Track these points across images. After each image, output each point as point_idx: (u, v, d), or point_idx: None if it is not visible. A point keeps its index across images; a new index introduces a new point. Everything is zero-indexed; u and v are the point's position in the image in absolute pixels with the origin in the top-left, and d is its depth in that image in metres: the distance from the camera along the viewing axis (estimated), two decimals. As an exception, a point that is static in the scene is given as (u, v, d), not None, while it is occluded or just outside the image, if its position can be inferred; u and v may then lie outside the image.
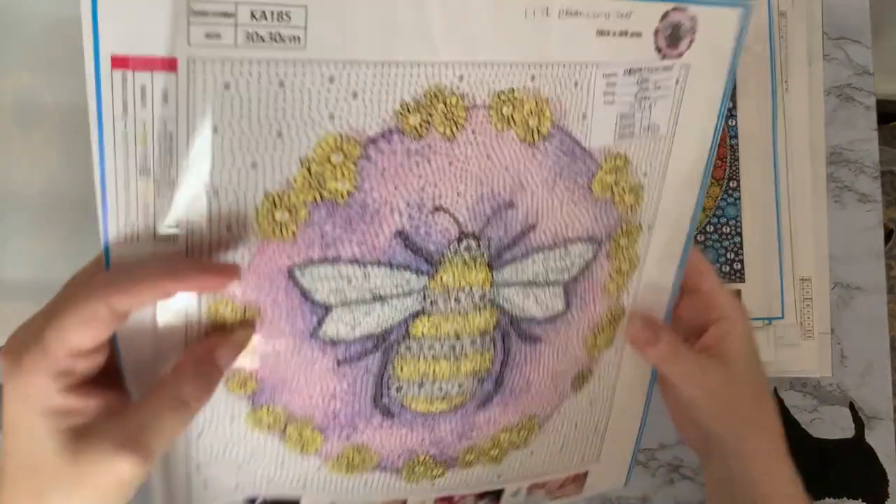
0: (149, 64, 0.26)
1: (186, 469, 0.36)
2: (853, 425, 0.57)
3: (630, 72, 0.34)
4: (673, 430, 0.57)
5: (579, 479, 0.45)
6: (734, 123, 0.55)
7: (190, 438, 0.35)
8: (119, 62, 0.26)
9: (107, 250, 0.29)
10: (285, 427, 0.36)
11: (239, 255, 0.31)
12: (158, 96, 0.27)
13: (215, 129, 0.28)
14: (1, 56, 0.58)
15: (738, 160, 0.56)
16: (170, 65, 0.26)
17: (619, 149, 0.36)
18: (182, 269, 0.29)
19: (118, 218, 0.28)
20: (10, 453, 0.29)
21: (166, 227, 0.29)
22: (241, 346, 0.32)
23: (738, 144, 0.56)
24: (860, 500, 0.56)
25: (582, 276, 0.38)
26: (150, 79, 0.26)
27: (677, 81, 0.35)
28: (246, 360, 0.33)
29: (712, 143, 0.37)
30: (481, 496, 0.43)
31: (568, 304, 0.38)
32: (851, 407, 0.57)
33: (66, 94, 0.57)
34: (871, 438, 0.57)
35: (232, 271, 0.31)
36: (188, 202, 0.29)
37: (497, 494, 0.43)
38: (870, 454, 0.57)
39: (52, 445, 0.28)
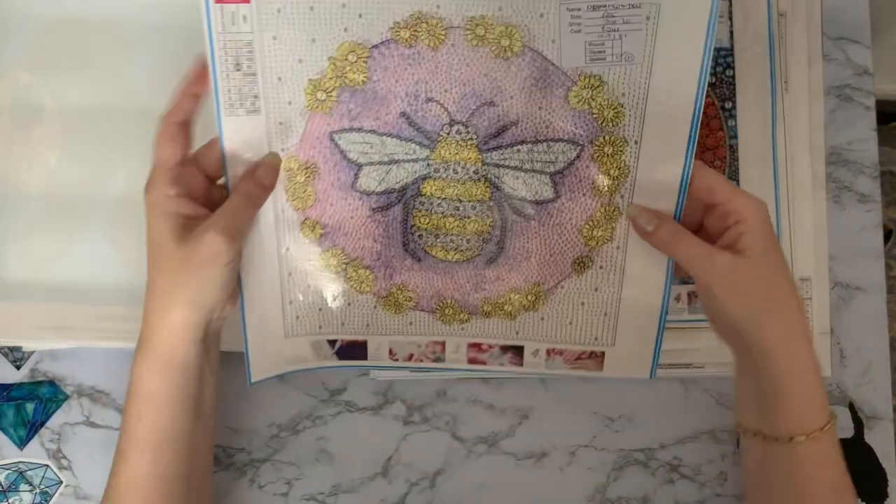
0: None
1: (282, 302, 0.51)
2: (852, 425, 0.57)
3: (594, 7, 0.43)
4: (672, 430, 0.57)
5: (597, 358, 0.52)
6: (734, 124, 0.55)
7: (283, 277, 0.50)
8: None
9: (220, 123, 0.45)
10: (346, 267, 0.50)
11: (298, 122, 0.47)
12: (241, 19, 0.44)
13: (275, 38, 0.45)
14: (0, 56, 0.58)
15: (737, 160, 0.56)
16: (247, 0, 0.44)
17: (593, 70, 0.45)
18: (185, 81, 0.45)
19: (223, 99, 0.45)
20: (151, 247, 0.45)
21: (251, 104, 0.46)
22: (273, 165, 0.47)
23: (737, 144, 0.56)
24: (859, 499, 0.56)
25: (567, 171, 0.48)
26: (236, 8, 0.43)
27: (648, 18, 0.43)
28: (313, 208, 0.49)
29: (701, 74, 0.44)
30: (506, 350, 0.53)
31: (557, 193, 0.49)
32: (851, 407, 0.57)
33: (65, 94, 0.57)
34: (870, 438, 0.57)
35: (202, 73, 0.45)
36: (264, 85, 0.46)
37: (519, 351, 0.52)
38: (869, 454, 0.57)
39: (171, 236, 0.44)
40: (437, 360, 0.53)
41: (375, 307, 0.52)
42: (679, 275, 0.50)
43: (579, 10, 0.43)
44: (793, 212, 0.56)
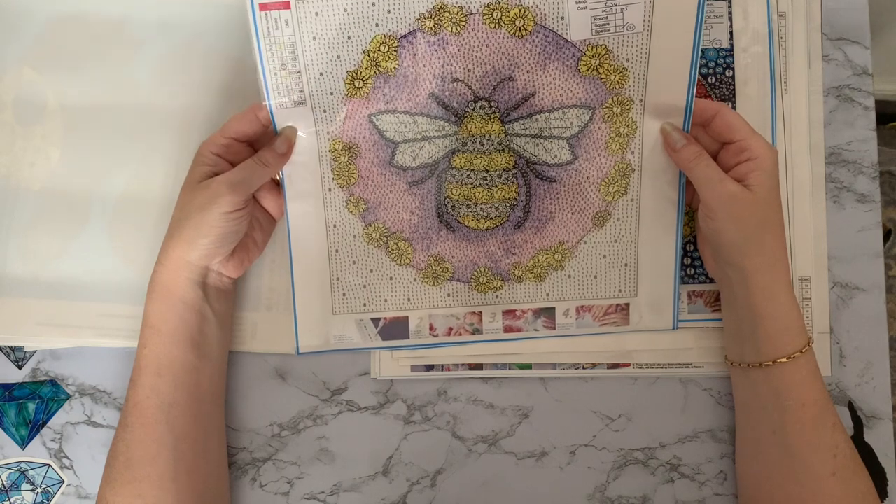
0: (277, 6, 0.49)
1: (329, 279, 0.56)
2: (852, 425, 0.57)
3: None
4: (672, 430, 0.57)
5: (623, 311, 0.56)
6: (734, 123, 0.56)
7: (330, 254, 0.55)
8: (263, 6, 0.49)
9: (272, 115, 0.51)
10: (387, 240, 0.55)
11: (339, 109, 0.52)
12: (283, 23, 0.49)
13: (314, 38, 0.50)
14: (3, 53, 0.58)
15: (737, 160, 0.56)
16: (287, 6, 0.49)
17: (599, 41, 0.50)
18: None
19: (274, 96, 0.51)
20: (181, 189, 0.51)
21: (298, 97, 0.51)
22: (288, 137, 0.52)
23: (737, 144, 0.56)
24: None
25: (582, 134, 0.53)
26: (279, 14, 0.49)
27: None
28: (356, 185, 0.54)
29: (695, 38, 0.49)
30: (538, 314, 0.56)
31: (575, 156, 0.53)
32: (850, 406, 0.57)
33: (68, 91, 0.57)
34: (869, 438, 0.57)
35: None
36: (308, 80, 0.51)
37: (552, 313, 0.56)
38: (869, 453, 0.57)
39: (192, 180, 0.50)
40: (475, 331, 0.57)
41: (415, 280, 0.56)
42: (688, 202, 0.55)
43: None
44: (792, 211, 0.56)
